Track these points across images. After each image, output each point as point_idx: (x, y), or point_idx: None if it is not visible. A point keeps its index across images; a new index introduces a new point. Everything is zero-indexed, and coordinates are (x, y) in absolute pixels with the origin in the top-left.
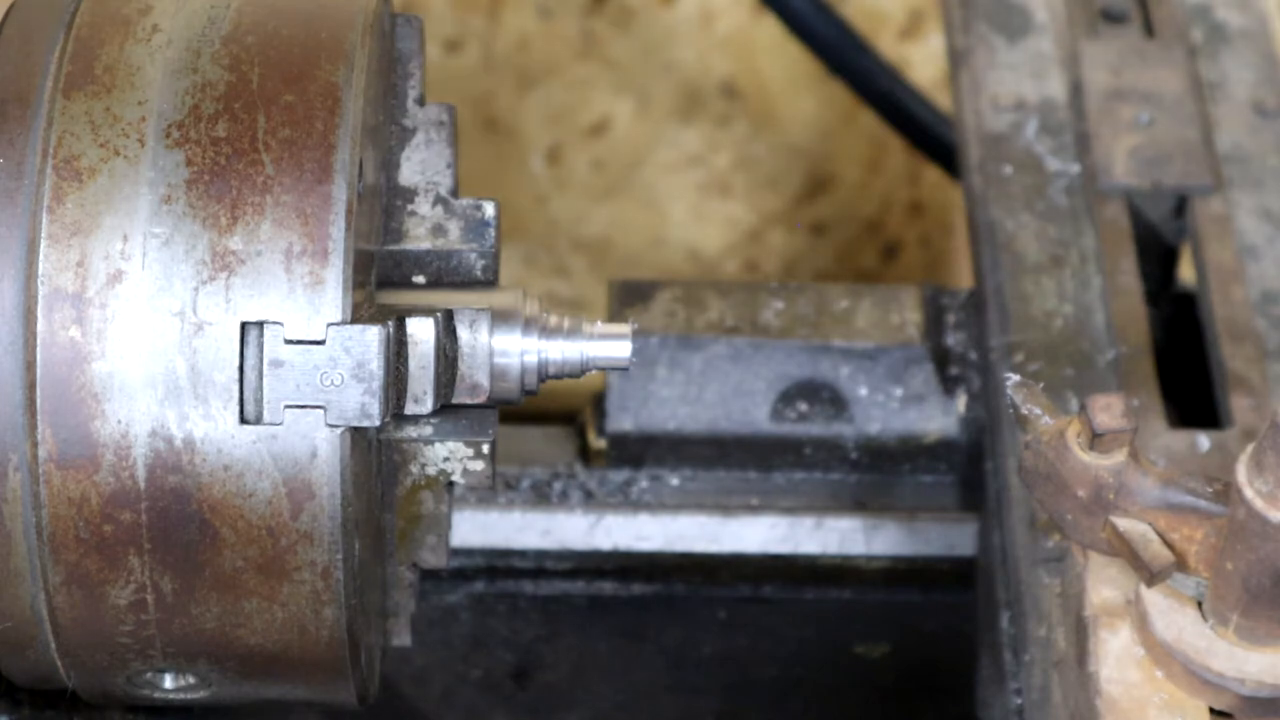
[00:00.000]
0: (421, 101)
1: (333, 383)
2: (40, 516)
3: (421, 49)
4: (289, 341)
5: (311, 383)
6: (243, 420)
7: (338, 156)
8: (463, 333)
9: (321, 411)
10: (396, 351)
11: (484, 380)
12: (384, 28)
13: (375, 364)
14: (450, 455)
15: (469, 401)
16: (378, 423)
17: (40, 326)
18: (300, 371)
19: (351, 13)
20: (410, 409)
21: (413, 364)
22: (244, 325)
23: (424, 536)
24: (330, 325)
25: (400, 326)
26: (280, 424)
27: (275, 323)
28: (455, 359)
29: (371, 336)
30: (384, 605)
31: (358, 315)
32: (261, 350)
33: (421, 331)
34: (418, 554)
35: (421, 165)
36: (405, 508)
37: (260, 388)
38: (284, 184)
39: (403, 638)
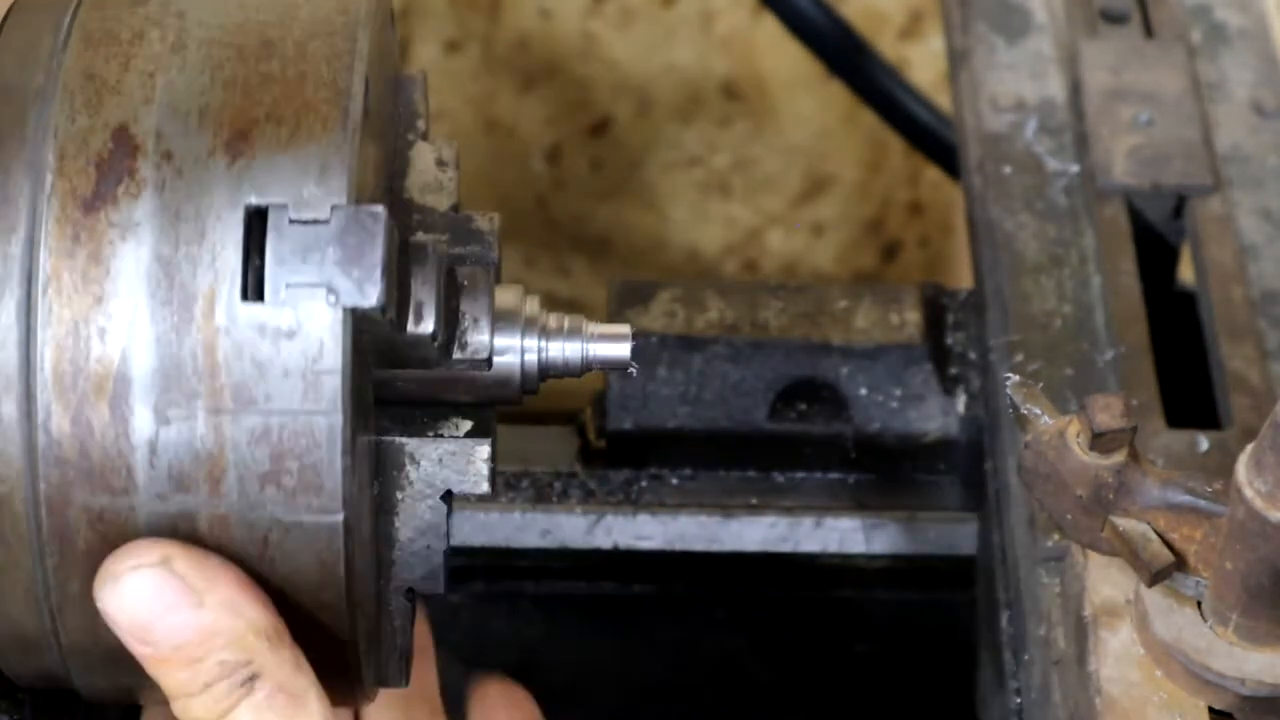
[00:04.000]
0: (425, 138)
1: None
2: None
3: (425, 96)
4: (294, 222)
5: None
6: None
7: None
8: (465, 292)
9: (324, 290)
10: (400, 255)
11: (484, 338)
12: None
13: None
14: (445, 456)
15: (471, 359)
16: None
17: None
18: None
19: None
20: (411, 327)
21: (416, 281)
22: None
23: (417, 563)
24: (335, 207)
25: (404, 245)
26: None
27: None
28: (457, 311)
29: (378, 216)
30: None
31: None
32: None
33: (426, 248)
34: (413, 578)
35: (424, 187)
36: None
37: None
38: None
39: (398, 680)
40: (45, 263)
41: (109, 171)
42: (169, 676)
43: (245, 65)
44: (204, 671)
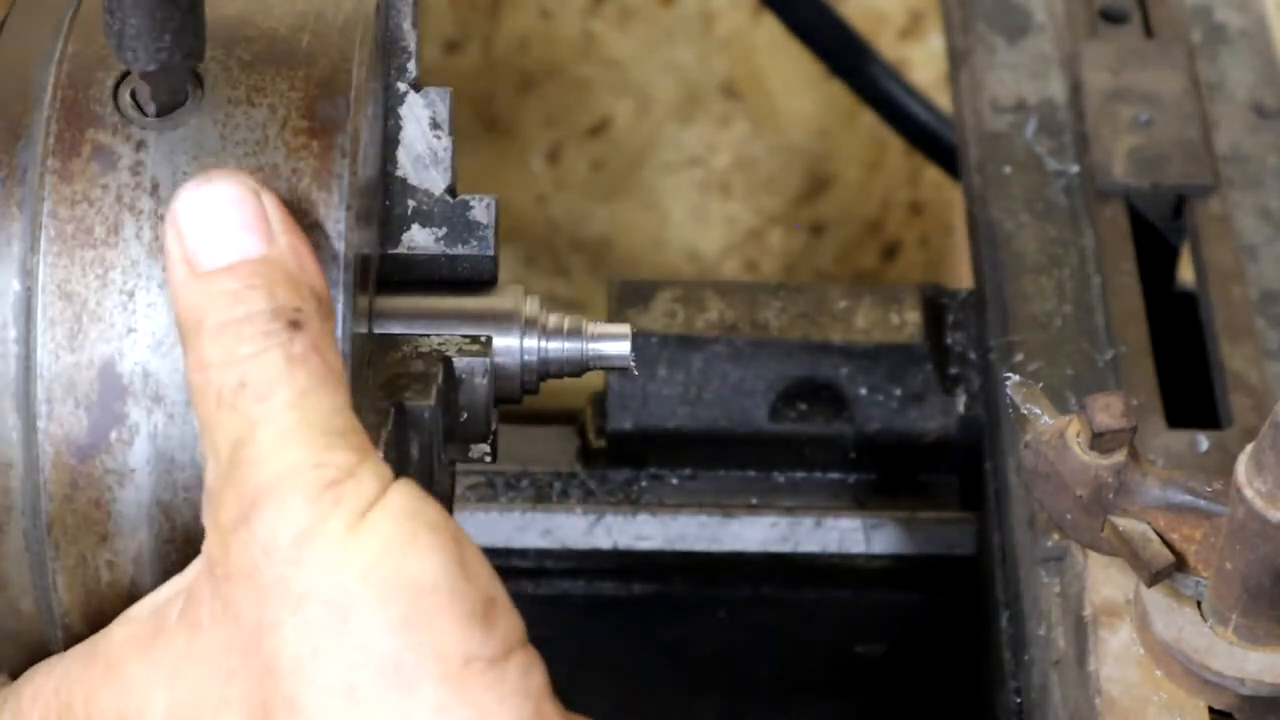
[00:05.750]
0: (417, 86)
1: None
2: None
3: (415, 24)
4: None
5: None
6: None
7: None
8: (463, 387)
9: None
10: (398, 444)
11: (486, 429)
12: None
13: None
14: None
15: (468, 458)
16: None
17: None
18: None
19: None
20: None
21: (413, 445)
22: None
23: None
24: None
25: (401, 415)
26: None
27: None
28: (455, 403)
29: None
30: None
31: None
32: None
33: (423, 413)
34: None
35: (417, 159)
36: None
37: None
38: None
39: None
40: (46, 507)
41: (100, 417)
42: (209, 299)
43: None
44: (251, 299)
